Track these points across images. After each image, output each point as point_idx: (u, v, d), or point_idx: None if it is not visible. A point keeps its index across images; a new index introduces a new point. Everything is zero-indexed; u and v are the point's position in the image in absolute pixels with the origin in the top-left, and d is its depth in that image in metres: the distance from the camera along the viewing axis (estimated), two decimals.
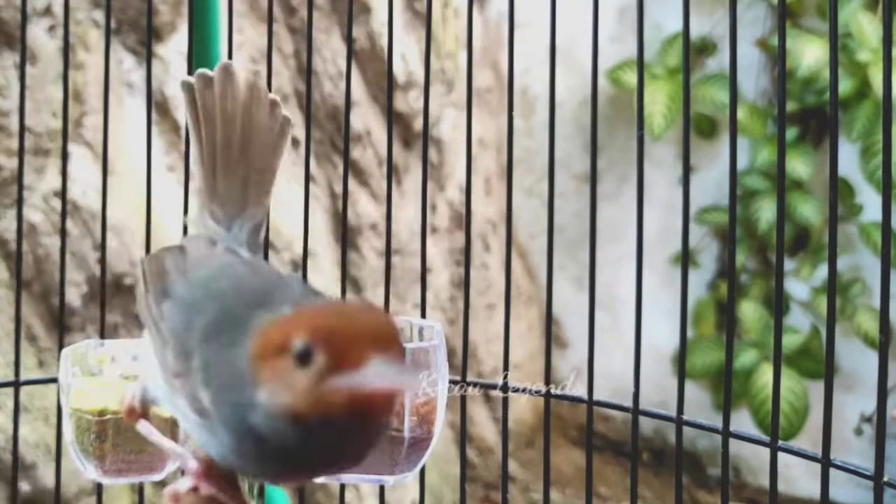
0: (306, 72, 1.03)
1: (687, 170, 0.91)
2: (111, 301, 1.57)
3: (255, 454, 0.54)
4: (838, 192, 0.82)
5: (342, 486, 1.00)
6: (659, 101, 2.48)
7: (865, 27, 2.23)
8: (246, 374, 0.53)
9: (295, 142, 2.02)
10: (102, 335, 1.03)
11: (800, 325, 2.46)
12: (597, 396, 0.94)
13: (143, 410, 0.69)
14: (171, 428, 0.87)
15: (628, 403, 0.92)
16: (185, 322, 0.60)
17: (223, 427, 0.55)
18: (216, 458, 0.59)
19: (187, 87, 0.74)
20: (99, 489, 1.02)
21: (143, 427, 0.69)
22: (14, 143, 1.41)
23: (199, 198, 0.74)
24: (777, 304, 0.86)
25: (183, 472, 0.65)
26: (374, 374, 0.49)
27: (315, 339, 0.50)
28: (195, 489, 0.60)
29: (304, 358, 0.50)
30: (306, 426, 0.51)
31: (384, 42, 2.21)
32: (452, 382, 0.94)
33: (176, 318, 0.61)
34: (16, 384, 1.01)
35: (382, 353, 0.49)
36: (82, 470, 0.88)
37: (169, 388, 0.61)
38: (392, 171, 1.03)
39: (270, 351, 0.52)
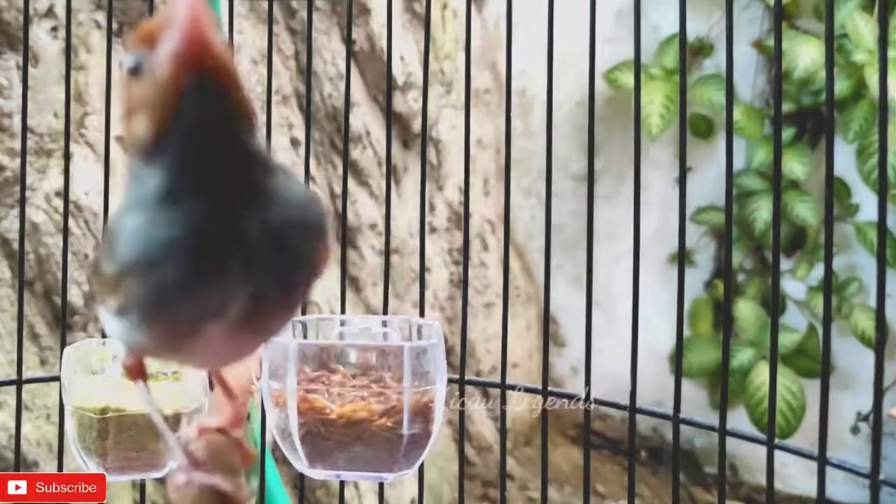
0: (306, 73, 1.03)
1: (684, 170, 0.91)
2: None
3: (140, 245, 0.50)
4: (834, 192, 0.82)
5: (342, 484, 1.00)
6: (656, 101, 2.49)
7: (862, 28, 2.24)
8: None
9: (295, 142, 2.03)
10: (104, 334, 1.04)
11: (796, 324, 2.46)
12: (594, 395, 0.95)
13: (141, 367, 0.63)
14: (172, 425, 0.88)
15: (626, 402, 0.93)
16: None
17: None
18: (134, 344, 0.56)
19: None
20: None
21: (141, 389, 0.64)
22: (17, 144, 1.41)
23: None
24: (773, 304, 0.87)
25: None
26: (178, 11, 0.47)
27: (135, 46, 0.49)
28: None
29: (136, 69, 0.49)
30: (156, 142, 0.49)
31: (383, 43, 2.21)
32: (451, 381, 0.94)
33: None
34: (18, 382, 1.02)
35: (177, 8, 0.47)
36: (84, 467, 0.89)
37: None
38: (391, 172, 1.03)
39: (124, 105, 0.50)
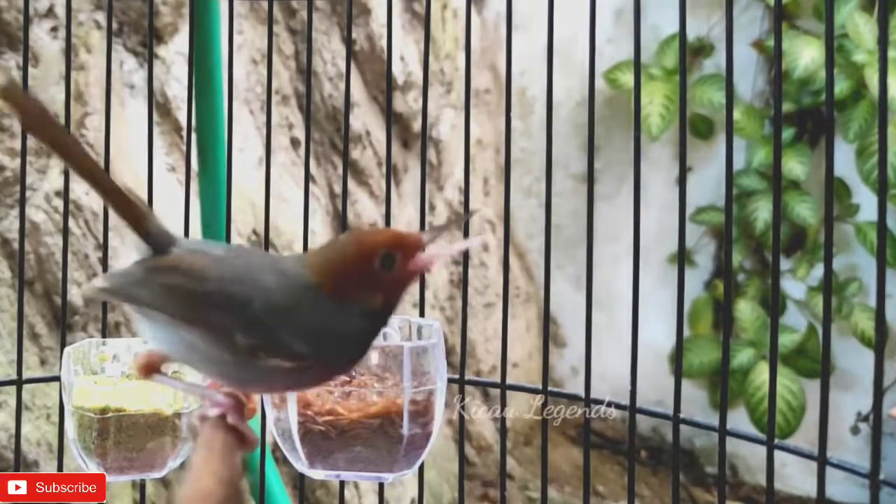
0: (306, 73, 1.03)
1: (684, 170, 0.91)
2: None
3: (335, 350, 0.69)
4: (834, 192, 0.83)
5: (342, 484, 1.00)
6: (656, 101, 2.49)
7: (862, 28, 2.24)
8: (314, 298, 0.68)
9: (295, 142, 2.03)
10: (104, 334, 1.04)
11: (796, 324, 2.46)
12: (594, 395, 0.95)
13: (157, 364, 0.74)
14: (171, 422, 0.88)
15: (626, 402, 0.93)
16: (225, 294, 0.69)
17: (293, 342, 0.68)
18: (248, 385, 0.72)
19: None
20: None
21: (162, 379, 0.75)
22: (17, 144, 1.41)
23: None
24: (773, 304, 0.87)
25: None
26: (435, 251, 0.69)
27: (390, 247, 0.68)
28: (223, 416, 0.71)
29: (388, 262, 0.68)
30: (381, 310, 0.69)
31: (383, 43, 2.21)
32: (451, 381, 0.94)
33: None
34: (18, 382, 1.02)
35: (425, 241, 0.69)
36: (84, 467, 0.89)
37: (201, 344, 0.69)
38: (391, 172, 1.03)
39: (352, 270, 0.68)
